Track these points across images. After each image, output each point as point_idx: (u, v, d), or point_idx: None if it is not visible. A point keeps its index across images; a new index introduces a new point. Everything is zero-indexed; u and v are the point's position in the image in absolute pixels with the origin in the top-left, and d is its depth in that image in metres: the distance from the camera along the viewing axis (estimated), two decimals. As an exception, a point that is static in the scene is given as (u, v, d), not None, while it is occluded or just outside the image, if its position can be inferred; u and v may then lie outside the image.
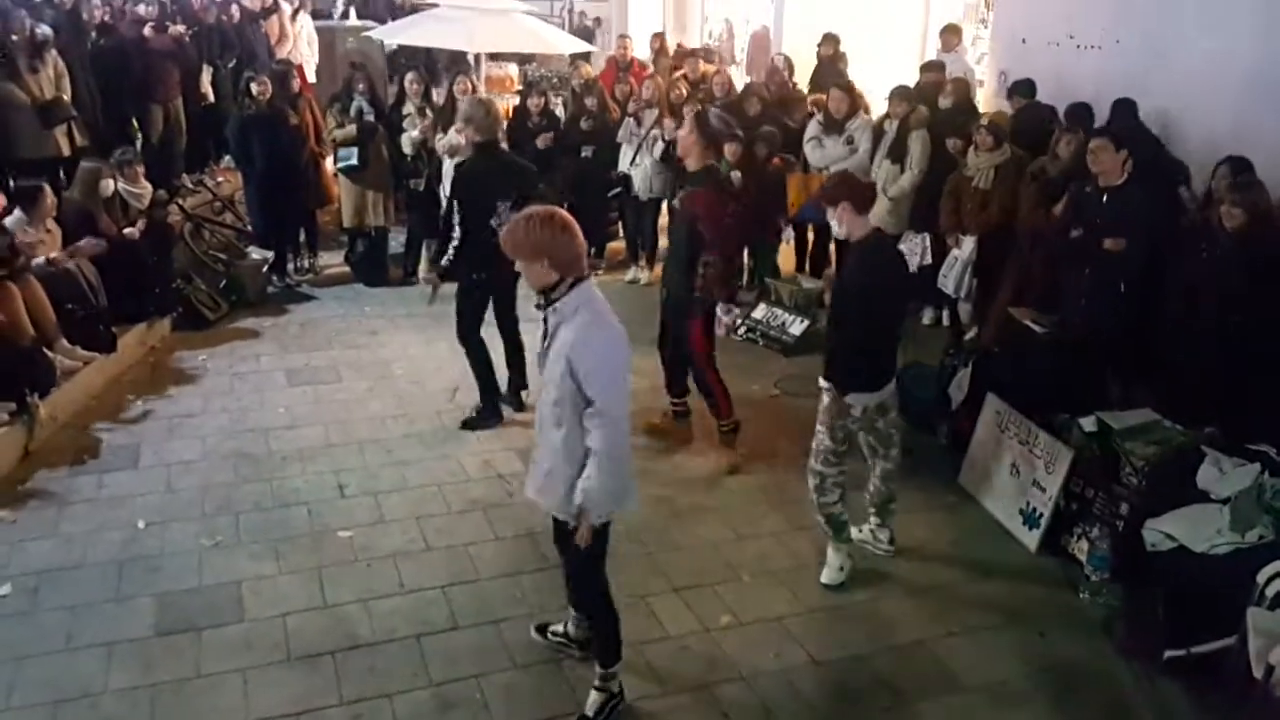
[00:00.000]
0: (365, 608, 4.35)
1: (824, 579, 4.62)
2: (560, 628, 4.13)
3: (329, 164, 8.78)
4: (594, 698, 3.76)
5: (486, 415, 6.09)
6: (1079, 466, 4.78)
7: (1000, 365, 5.63)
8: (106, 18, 9.97)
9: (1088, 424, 4.89)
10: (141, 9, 10.47)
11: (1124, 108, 6.70)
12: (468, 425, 6.04)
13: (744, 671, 4.03)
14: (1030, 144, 6.89)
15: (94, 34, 9.66)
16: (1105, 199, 5.44)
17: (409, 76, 8.69)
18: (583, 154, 8.73)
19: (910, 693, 3.98)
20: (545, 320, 3.51)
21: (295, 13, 12.79)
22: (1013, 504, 5.05)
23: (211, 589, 4.45)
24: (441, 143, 8.24)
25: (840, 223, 4.48)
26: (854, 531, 4.77)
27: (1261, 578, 3.63)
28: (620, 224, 9.40)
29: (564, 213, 3.45)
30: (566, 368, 3.35)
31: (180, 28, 10.12)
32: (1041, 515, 4.88)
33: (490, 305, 6.06)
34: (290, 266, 8.69)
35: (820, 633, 4.30)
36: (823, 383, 4.52)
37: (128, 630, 4.16)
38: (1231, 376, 4.79)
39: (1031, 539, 4.92)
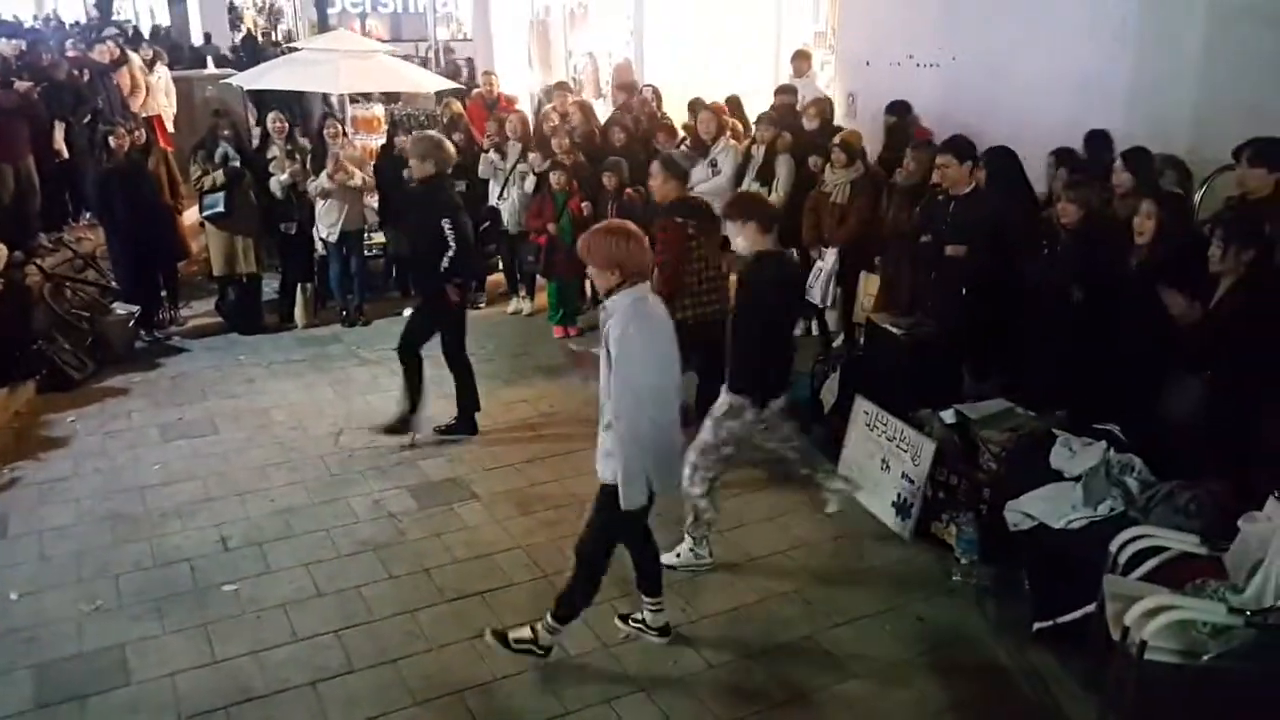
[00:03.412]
0: (257, 660, 4.26)
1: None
2: (639, 615, 4.38)
3: (186, 215, 8.60)
4: (525, 633, 4.16)
5: (404, 422, 6.29)
6: (942, 457, 5.04)
7: (866, 368, 5.88)
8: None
9: (947, 416, 5.18)
10: (-17, 67, 10.08)
11: (1098, 140, 6.26)
12: (439, 431, 6.37)
13: (643, 684, 4.10)
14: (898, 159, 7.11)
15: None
16: (952, 207, 5.74)
17: (270, 116, 8.60)
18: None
19: (804, 685, 4.12)
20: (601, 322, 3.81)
21: (152, 63, 12.50)
22: (886, 497, 5.28)
23: (93, 655, 4.31)
24: (314, 185, 8.19)
25: (744, 238, 4.58)
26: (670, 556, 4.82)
27: (1113, 546, 3.88)
28: (499, 257, 9.46)
29: (631, 224, 3.83)
30: (608, 356, 3.67)
31: (27, 83, 9.75)
32: (912, 505, 5.12)
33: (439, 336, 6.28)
34: (159, 318, 8.46)
35: (715, 638, 4.42)
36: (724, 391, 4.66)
37: (3, 706, 3.99)
38: (1076, 363, 5.08)
39: (904, 528, 5.16)
